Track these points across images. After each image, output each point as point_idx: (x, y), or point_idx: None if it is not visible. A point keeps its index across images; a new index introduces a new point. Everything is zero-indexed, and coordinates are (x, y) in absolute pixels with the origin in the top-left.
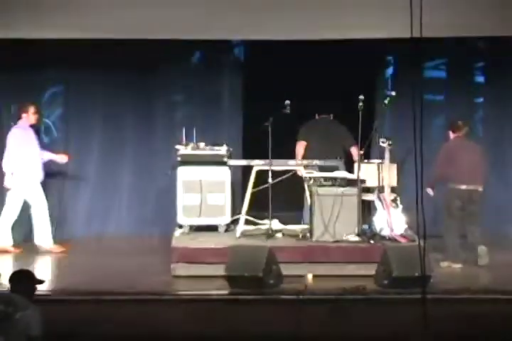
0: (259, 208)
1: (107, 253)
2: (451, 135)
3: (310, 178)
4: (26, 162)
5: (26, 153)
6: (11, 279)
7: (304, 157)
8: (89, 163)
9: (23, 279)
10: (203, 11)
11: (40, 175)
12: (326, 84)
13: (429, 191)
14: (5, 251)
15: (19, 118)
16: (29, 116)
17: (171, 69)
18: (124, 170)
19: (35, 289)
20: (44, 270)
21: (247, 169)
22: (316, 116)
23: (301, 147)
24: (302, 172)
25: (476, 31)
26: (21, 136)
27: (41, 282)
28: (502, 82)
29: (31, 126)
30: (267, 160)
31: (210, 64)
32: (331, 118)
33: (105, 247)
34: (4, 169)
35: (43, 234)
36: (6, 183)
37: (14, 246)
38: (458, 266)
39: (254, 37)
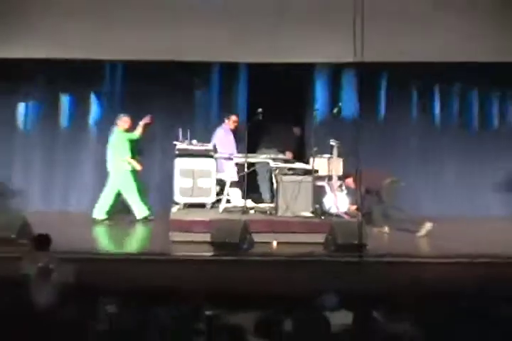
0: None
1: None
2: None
3: (276, 168)
4: (221, 161)
5: (223, 152)
6: None
7: None
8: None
9: None
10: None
11: (234, 175)
12: (276, 101)
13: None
14: None
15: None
16: (229, 122)
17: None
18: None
19: None
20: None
21: None
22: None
23: None
24: (271, 163)
25: (420, 57)
26: (221, 137)
27: None
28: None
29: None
30: (244, 154)
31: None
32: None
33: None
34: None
35: None
36: None
37: None
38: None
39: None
